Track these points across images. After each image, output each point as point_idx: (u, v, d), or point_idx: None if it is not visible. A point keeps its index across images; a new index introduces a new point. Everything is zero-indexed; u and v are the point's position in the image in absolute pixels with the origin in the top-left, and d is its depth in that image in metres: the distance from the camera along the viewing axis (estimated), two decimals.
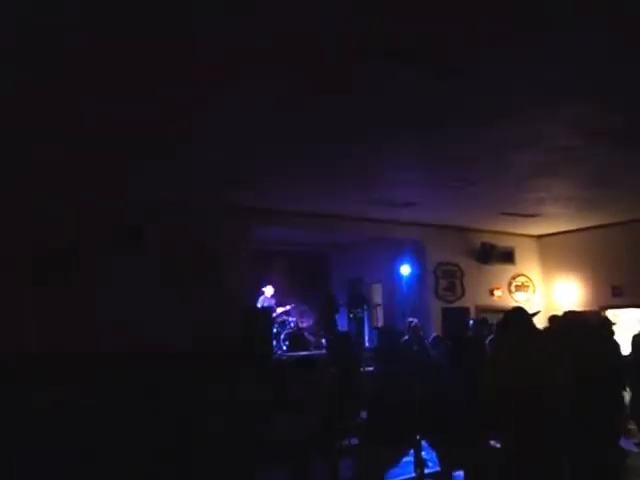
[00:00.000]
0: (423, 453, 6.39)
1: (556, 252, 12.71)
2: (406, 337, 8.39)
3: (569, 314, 3.91)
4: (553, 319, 6.39)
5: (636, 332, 8.08)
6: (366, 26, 3.76)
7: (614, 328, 6.64)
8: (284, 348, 11.25)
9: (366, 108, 5.29)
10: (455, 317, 10.63)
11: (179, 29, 3.82)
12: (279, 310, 11.77)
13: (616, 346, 5.96)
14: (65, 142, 6.05)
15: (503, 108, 5.40)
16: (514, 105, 5.33)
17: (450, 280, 11.92)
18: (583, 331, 4.34)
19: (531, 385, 3.14)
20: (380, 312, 12.91)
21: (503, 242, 12.55)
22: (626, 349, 7.44)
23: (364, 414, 6.38)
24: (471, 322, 9.92)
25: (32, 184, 7.44)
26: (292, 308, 12.21)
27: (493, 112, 5.49)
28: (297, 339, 11.55)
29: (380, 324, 12.45)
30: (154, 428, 3.97)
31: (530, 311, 3.63)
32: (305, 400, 6.32)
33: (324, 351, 10.01)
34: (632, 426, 7.66)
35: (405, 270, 12.00)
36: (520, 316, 3.56)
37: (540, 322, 5.55)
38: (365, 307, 12.46)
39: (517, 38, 4.04)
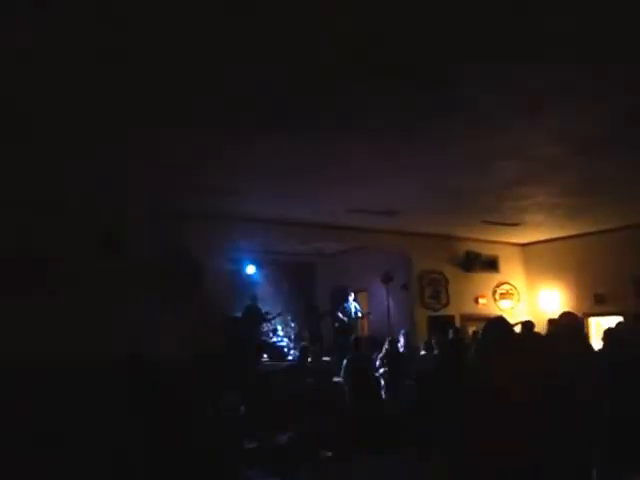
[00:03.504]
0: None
1: (540, 260, 12.77)
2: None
3: (564, 317, 3.91)
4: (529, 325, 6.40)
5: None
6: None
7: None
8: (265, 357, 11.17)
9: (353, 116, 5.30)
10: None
11: None
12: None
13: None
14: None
15: (486, 117, 5.42)
16: (497, 114, 5.35)
17: (435, 288, 11.92)
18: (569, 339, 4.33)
19: (509, 393, 3.14)
20: (366, 321, 12.87)
21: (487, 250, 12.59)
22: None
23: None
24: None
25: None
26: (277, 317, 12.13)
27: (477, 121, 5.52)
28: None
29: (365, 333, 12.40)
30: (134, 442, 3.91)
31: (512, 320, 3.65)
32: (291, 409, 6.28)
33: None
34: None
35: (389, 278, 11.96)
36: (500, 326, 3.56)
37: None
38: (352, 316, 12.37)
39: (501, 51, 4.07)
